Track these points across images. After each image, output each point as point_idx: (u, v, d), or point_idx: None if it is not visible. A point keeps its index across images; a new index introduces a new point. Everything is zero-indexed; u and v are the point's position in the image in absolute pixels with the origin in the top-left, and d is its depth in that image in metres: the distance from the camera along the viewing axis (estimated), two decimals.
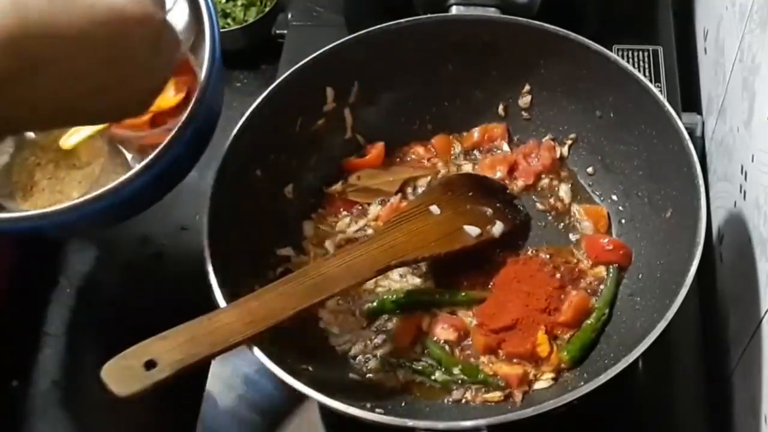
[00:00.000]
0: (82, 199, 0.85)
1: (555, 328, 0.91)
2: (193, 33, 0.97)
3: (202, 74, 0.90)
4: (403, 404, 0.87)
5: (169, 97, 0.95)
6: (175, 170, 0.93)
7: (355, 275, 0.85)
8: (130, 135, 0.94)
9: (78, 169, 0.94)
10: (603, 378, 0.76)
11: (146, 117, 0.94)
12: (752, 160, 0.91)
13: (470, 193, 0.99)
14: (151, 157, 0.87)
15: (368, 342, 0.93)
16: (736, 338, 0.95)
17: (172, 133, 0.88)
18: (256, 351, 0.78)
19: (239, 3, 1.36)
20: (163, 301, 1.13)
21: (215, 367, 0.98)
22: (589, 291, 0.94)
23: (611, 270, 0.94)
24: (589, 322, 0.91)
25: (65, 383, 1.11)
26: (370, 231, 1.00)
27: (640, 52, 1.18)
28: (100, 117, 0.77)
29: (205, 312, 0.78)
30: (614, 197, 1.01)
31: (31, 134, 0.95)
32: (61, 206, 0.85)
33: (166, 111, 0.95)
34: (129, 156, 0.96)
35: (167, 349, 0.73)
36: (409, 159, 1.07)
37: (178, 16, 0.97)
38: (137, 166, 0.86)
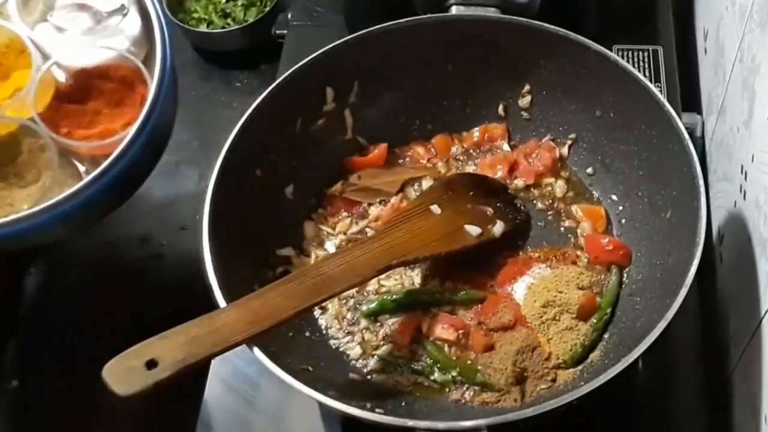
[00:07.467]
0: (33, 210, 0.87)
1: None
2: (145, 45, 1.00)
3: (154, 85, 0.93)
4: (403, 404, 0.87)
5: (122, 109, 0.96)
6: (129, 178, 0.95)
7: (356, 275, 0.85)
8: (80, 146, 0.95)
9: (28, 183, 0.93)
10: (603, 378, 0.76)
11: (97, 128, 0.95)
12: (752, 160, 0.91)
13: (471, 193, 0.99)
14: (102, 166, 0.89)
15: (368, 342, 0.93)
16: (736, 338, 0.95)
17: (124, 142, 0.90)
18: (256, 351, 0.78)
19: (239, 3, 1.36)
20: (163, 301, 1.13)
21: (215, 367, 0.98)
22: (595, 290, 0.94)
23: (614, 270, 0.94)
24: (591, 321, 0.91)
25: (65, 383, 1.11)
26: (370, 232, 1.00)
27: (640, 52, 1.18)
28: None
29: (205, 312, 0.78)
30: (614, 197, 1.01)
31: None
32: (12, 217, 0.87)
33: (119, 122, 0.96)
34: (82, 168, 0.96)
35: (168, 349, 0.73)
36: (409, 159, 1.07)
37: (129, 29, 0.99)
38: (89, 176, 0.88)
